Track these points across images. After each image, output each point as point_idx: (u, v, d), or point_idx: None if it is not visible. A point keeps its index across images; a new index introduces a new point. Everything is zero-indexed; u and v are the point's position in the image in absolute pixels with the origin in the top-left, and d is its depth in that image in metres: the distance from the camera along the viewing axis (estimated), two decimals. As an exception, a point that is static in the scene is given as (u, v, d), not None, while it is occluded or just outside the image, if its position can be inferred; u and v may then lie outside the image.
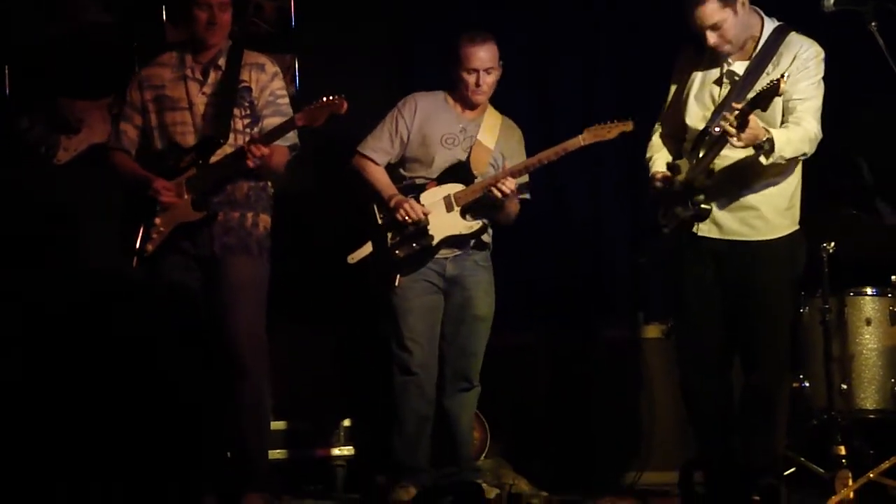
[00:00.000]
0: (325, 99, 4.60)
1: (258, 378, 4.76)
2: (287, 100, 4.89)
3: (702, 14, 4.33)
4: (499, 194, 5.03)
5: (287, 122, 4.68)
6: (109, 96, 5.89)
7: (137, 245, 4.72)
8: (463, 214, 5.11)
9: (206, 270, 4.76)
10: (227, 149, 4.72)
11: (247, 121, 4.80)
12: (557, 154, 5.03)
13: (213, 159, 4.72)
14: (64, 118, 5.98)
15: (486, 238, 5.20)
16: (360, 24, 6.08)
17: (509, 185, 5.01)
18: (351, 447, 5.58)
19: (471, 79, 5.10)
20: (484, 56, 5.08)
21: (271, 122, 4.78)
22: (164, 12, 5.94)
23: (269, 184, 4.88)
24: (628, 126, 4.97)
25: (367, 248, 5.12)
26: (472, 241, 5.14)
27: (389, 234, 5.10)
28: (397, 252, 5.08)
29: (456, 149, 5.15)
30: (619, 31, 6.16)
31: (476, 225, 5.12)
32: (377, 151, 5.18)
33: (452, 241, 5.12)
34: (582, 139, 4.99)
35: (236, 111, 4.78)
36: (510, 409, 5.66)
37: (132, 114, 4.87)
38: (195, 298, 4.76)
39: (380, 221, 5.12)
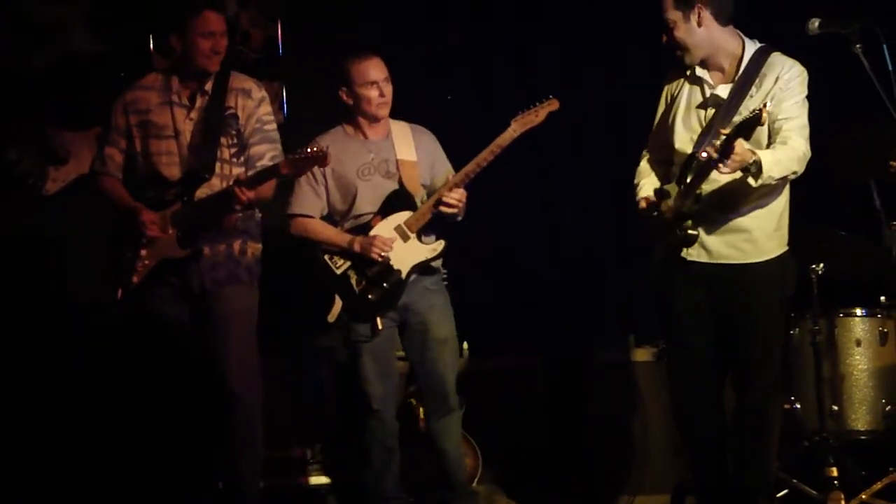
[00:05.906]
0: (309, 150, 4.52)
1: (251, 407, 4.72)
2: (274, 125, 4.84)
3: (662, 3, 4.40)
4: (449, 209, 4.94)
5: (272, 168, 4.60)
6: (97, 126, 5.88)
7: (122, 276, 4.67)
8: (419, 238, 5.02)
9: (195, 304, 4.71)
10: (214, 180, 4.68)
11: (234, 149, 4.75)
12: (493, 153, 4.90)
13: (199, 194, 4.67)
14: (52, 149, 5.96)
15: (435, 263, 5.07)
16: (347, 52, 6.07)
17: (456, 196, 4.93)
18: (325, 477, 5.55)
19: (373, 92, 4.99)
20: (379, 67, 5.02)
21: (258, 149, 4.74)
22: (151, 41, 5.94)
23: (257, 211, 4.84)
24: (554, 105, 4.89)
25: (339, 303, 4.99)
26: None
27: (353, 281, 4.98)
28: (370, 297, 4.96)
29: (374, 176, 5.03)
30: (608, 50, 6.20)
31: (439, 246, 5.02)
32: (307, 206, 5.04)
33: (418, 269, 5.02)
34: (513, 130, 4.89)
35: (223, 140, 4.73)
36: (502, 434, 5.64)
37: (117, 138, 4.81)
38: (183, 329, 4.72)
39: (338, 272, 4.99)
